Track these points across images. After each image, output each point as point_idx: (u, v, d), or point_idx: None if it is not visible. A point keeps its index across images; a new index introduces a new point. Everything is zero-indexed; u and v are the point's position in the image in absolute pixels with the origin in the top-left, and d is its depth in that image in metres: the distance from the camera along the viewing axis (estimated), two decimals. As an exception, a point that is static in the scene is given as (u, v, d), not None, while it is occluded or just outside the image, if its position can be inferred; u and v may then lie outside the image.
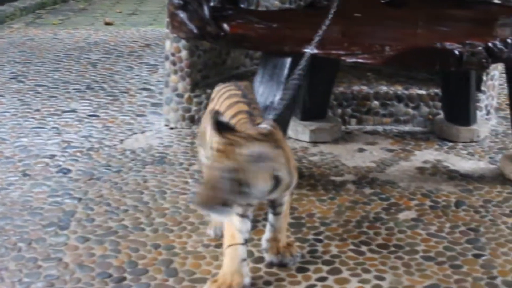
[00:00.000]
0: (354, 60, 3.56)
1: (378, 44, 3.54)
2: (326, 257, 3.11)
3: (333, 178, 3.92)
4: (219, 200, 2.51)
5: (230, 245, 2.83)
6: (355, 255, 3.12)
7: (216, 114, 2.64)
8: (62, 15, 9.12)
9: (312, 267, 3.03)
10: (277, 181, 2.69)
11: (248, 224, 2.85)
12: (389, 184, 3.84)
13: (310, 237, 3.28)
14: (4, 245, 3.16)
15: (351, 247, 3.20)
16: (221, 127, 2.60)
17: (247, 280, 2.85)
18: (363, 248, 3.18)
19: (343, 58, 3.59)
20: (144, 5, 9.93)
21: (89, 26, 8.23)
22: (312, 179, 3.89)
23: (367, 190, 3.76)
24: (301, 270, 3.00)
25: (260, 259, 3.06)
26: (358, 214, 3.50)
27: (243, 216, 2.81)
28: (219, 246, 3.15)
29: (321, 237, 3.28)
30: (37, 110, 4.96)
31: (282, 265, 3.02)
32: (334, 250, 3.17)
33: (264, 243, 3.07)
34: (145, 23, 8.35)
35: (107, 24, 8.34)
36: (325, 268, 3.02)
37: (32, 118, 4.80)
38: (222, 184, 2.51)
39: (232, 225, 2.81)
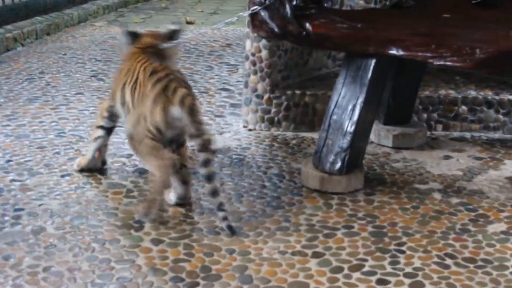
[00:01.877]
0: (442, 63, 3.41)
1: (468, 46, 3.37)
2: (409, 269, 2.95)
3: (417, 186, 3.74)
4: None
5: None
6: (439, 269, 2.95)
7: None
8: (144, 13, 9.17)
9: (393, 279, 2.87)
10: None
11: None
12: (477, 194, 3.64)
13: (392, 247, 3.12)
14: (78, 245, 3.11)
15: (435, 259, 3.02)
16: None
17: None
18: (448, 262, 3.01)
19: (430, 60, 3.43)
20: (225, 4, 9.90)
21: (171, 24, 8.23)
22: (394, 187, 3.72)
23: (454, 200, 3.57)
24: (382, 282, 2.85)
25: (339, 269, 2.92)
26: (444, 225, 3.32)
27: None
28: (296, 253, 3.04)
29: (403, 248, 3.11)
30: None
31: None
32: (417, 262, 3.00)
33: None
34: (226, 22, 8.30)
35: (188, 23, 8.32)
36: (407, 281, 2.86)
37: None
38: None
39: None
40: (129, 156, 4.05)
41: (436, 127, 4.51)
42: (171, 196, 3.50)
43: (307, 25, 3.49)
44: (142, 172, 3.84)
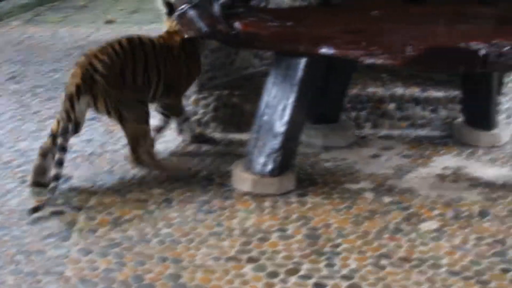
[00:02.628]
0: (372, 61, 3.36)
1: (398, 43, 3.34)
2: (345, 271, 2.92)
3: (348, 185, 3.71)
4: None
5: None
6: (375, 269, 2.93)
7: None
8: (62, 12, 8.90)
9: (330, 282, 2.84)
10: None
11: None
12: (409, 192, 3.63)
13: (327, 249, 3.08)
14: (2, 257, 2.96)
15: (371, 260, 3.00)
16: None
17: None
18: (384, 262, 2.99)
19: (361, 58, 3.39)
20: (146, 3, 9.70)
21: (90, 24, 8.02)
22: (326, 187, 3.68)
23: (386, 199, 3.56)
24: (319, 285, 2.81)
25: (275, 274, 2.86)
26: (377, 225, 3.30)
27: None
28: (230, 259, 2.97)
29: (338, 250, 3.08)
30: (36, 112, 4.76)
31: None
32: (353, 264, 2.97)
33: None
34: (148, 21, 8.11)
35: (109, 22, 8.12)
36: (344, 283, 2.83)
37: (31, 121, 4.60)
38: None
39: None
40: (52, 161, 3.89)
41: (364, 125, 4.49)
42: None
43: (236, 24, 3.41)
44: (67, 179, 3.70)
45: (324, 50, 3.39)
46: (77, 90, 3.48)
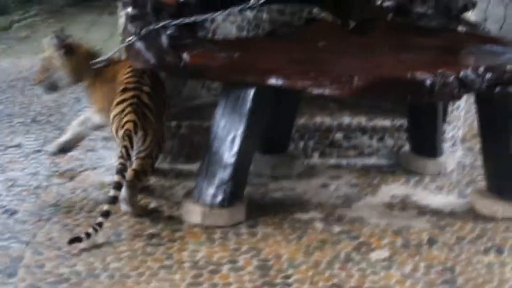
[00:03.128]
0: (321, 91, 3.39)
1: (346, 74, 3.37)
2: (297, 303, 2.90)
3: (298, 215, 3.71)
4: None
5: None
6: (327, 300, 2.93)
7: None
8: (3, 43, 8.77)
9: (283, 314, 2.82)
10: None
11: None
12: (358, 221, 3.65)
13: (279, 280, 3.07)
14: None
15: (323, 291, 3.00)
16: None
17: None
18: (336, 292, 2.99)
19: (309, 89, 3.41)
20: (90, 33, 9.64)
21: (34, 55, 7.91)
22: (276, 217, 3.68)
23: (336, 228, 3.57)
24: (271, 318, 2.79)
25: None
26: (328, 255, 3.30)
27: None
28: (182, 293, 2.94)
29: (290, 281, 3.07)
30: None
31: None
32: (305, 295, 2.96)
33: None
34: (92, 52, 8.07)
35: (53, 52, 8.02)
36: (297, 315, 2.81)
37: (-26, 153, 4.51)
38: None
39: None
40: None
41: (312, 155, 4.51)
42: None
43: (184, 55, 3.40)
44: (12, 213, 3.62)
45: (273, 81, 3.40)
46: (135, 126, 3.53)
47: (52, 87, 3.94)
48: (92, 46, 4.10)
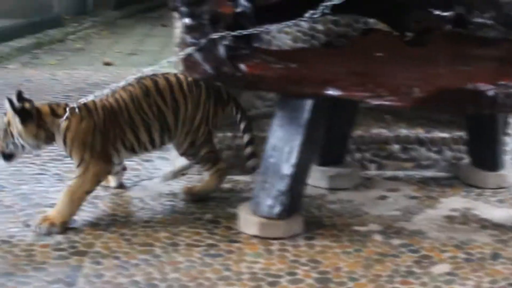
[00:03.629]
0: (380, 102, 3.36)
1: (405, 85, 3.33)
2: (358, 316, 2.86)
3: (356, 228, 3.66)
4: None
5: (86, 192, 3.64)
6: (389, 315, 2.87)
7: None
8: (59, 55, 8.92)
9: (343, 328, 2.77)
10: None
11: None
12: (418, 234, 3.59)
13: (339, 294, 3.03)
14: (6, 305, 2.89)
15: (384, 305, 2.95)
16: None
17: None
18: (397, 307, 2.93)
19: (367, 100, 3.37)
20: (144, 45, 9.75)
21: (88, 66, 8.02)
22: (334, 229, 3.64)
23: (395, 241, 3.51)
24: (332, 332, 2.75)
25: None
26: (388, 268, 3.25)
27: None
28: (241, 305, 2.91)
29: (350, 294, 3.03)
30: (37, 155, 4.70)
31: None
32: (366, 309, 2.92)
33: None
34: (145, 63, 8.12)
35: (107, 64, 8.13)
36: (358, 329, 2.77)
37: (32, 164, 4.55)
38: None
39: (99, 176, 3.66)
40: (53, 205, 3.83)
41: (369, 166, 4.46)
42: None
43: (241, 66, 3.39)
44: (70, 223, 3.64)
45: (330, 92, 3.38)
46: None
47: (9, 156, 3.65)
48: (52, 102, 3.82)
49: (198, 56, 3.47)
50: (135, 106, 3.77)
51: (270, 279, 3.13)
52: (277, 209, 3.53)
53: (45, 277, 3.11)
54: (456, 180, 4.30)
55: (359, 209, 3.91)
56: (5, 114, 3.57)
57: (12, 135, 3.55)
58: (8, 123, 3.55)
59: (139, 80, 3.87)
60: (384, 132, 4.47)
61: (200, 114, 3.88)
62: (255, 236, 3.52)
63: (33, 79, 7.22)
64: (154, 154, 4.72)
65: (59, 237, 3.48)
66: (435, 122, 4.59)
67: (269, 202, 3.54)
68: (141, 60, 8.42)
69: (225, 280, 3.11)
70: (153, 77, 3.89)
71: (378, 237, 3.55)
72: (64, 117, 3.59)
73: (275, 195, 3.53)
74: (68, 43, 10.00)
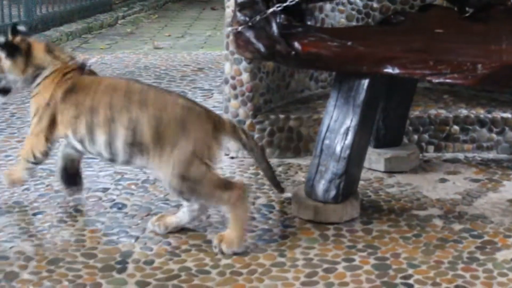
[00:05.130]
0: (441, 80, 3.21)
1: (468, 62, 3.17)
2: (419, 305, 2.72)
3: (415, 212, 3.52)
4: None
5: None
6: (452, 303, 2.73)
7: None
8: (109, 39, 8.90)
9: (404, 317, 2.64)
10: None
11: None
12: (480, 219, 3.43)
13: (398, 281, 2.89)
14: (56, 291, 2.82)
15: (447, 293, 2.80)
16: None
17: None
18: (461, 295, 2.79)
19: (428, 78, 3.23)
20: (193, 28, 9.68)
21: (138, 50, 7.97)
22: (392, 214, 3.50)
23: (456, 226, 3.36)
24: (392, 321, 2.62)
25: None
26: (450, 254, 3.10)
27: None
28: (296, 292, 2.79)
29: (411, 281, 2.88)
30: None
31: None
32: (427, 297, 2.77)
33: None
34: (195, 46, 8.06)
35: (156, 48, 8.07)
36: (420, 318, 2.63)
37: (82, 147, 4.49)
38: None
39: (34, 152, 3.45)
40: (105, 190, 3.77)
41: (427, 148, 4.30)
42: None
43: (296, 44, 3.26)
44: (120, 207, 3.57)
45: (389, 70, 3.23)
46: None
47: (4, 91, 3.53)
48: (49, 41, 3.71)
49: (250, 34, 3.35)
50: (112, 99, 3.21)
51: (326, 266, 3.01)
52: (332, 193, 3.40)
53: (95, 263, 3.04)
54: (520, 162, 4.12)
55: (418, 192, 3.75)
56: None
57: (3, 70, 3.45)
58: None
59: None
60: (443, 112, 4.30)
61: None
62: (310, 221, 3.40)
63: (83, 63, 7.18)
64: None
65: (108, 222, 3.41)
66: (497, 101, 4.40)
67: (324, 186, 3.41)
68: (191, 43, 8.35)
69: (279, 266, 3.00)
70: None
71: (438, 222, 3.40)
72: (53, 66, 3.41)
73: (330, 178, 3.40)
74: (118, 27, 9.98)
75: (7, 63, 3.44)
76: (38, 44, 3.50)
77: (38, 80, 3.42)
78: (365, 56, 3.29)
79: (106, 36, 9.16)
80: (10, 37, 3.46)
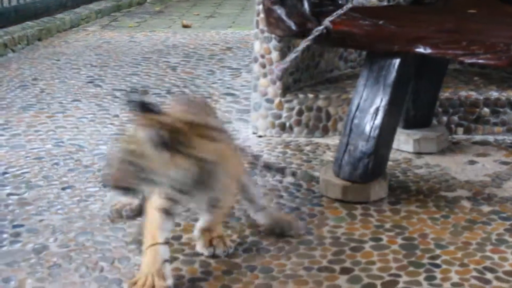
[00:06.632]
0: (474, 60, 3.16)
1: (501, 42, 3.13)
2: (447, 285, 2.70)
3: (444, 193, 3.50)
4: (121, 182, 2.39)
5: (151, 245, 2.65)
6: (480, 284, 2.70)
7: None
8: (138, 17, 8.91)
9: (431, 297, 2.63)
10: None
11: (170, 223, 2.71)
12: (509, 201, 3.39)
13: (426, 261, 2.87)
14: (85, 264, 2.84)
15: (474, 274, 2.78)
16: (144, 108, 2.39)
17: (169, 282, 2.64)
18: (489, 276, 2.76)
19: (461, 58, 3.18)
20: (222, 8, 9.65)
21: (166, 29, 7.98)
22: (420, 195, 3.48)
23: (485, 208, 3.33)
24: (419, 300, 2.61)
25: (371, 286, 2.68)
26: (478, 236, 3.08)
27: (167, 213, 2.66)
28: (322, 269, 2.79)
29: (438, 262, 2.86)
30: (116, 115, 4.68)
31: (214, 257, 2.84)
32: (455, 277, 2.75)
33: (196, 233, 2.92)
34: (224, 25, 8.04)
35: (185, 26, 8.07)
36: (447, 298, 2.62)
37: (111, 124, 4.52)
38: (123, 166, 2.37)
39: (154, 223, 2.67)
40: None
41: (457, 130, 4.27)
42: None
43: (327, 22, 3.24)
44: (149, 183, 3.58)
45: (421, 50, 3.20)
46: None
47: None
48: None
49: (281, 12, 3.33)
50: None
51: (353, 244, 3.01)
52: (360, 172, 3.39)
53: (123, 237, 3.06)
54: (549, 145, 4.07)
55: (447, 174, 3.73)
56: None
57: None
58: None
59: None
60: (473, 94, 4.26)
61: None
62: (338, 200, 3.40)
63: (112, 41, 7.22)
64: (233, 116, 4.65)
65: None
66: (528, 84, 4.36)
67: (352, 165, 3.40)
68: (219, 22, 8.33)
69: (306, 244, 3.00)
70: None
71: (466, 204, 3.38)
72: None
73: (359, 158, 3.38)
74: (147, 6, 9.99)
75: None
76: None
77: None
78: (397, 35, 3.26)
79: (135, 14, 9.17)
80: None
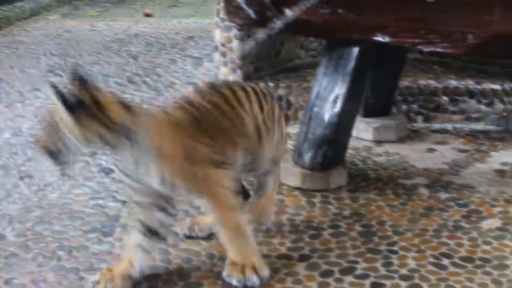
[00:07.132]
0: (432, 49, 3.19)
1: (459, 31, 3.15)
2: (404, 271, 2.73)
3: (402, 181, 3.53)
4: (45, 145, 2.44)
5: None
6: (436, 270, 2.74)
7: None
8: (99, 6, 8.83)
9: (388, 282, 2.65)
10: None
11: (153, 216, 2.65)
12: (466, 188, 3.44)
13: (383, 247, 2.90)
14: (42, 253, 2.83)
15: (431, 260, 2.81)
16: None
17: (136, 269, 2.65)
18: (445, 262, 2.80)
19: (419, 47, 3.21)
20: (185, -3, 9.60)
21: (128, 18, 7.91)
22: (379, 182, 3.51)
23: (442, 195, 3.37)
24: (376, 285, 2.63)
25: (329, 272, 2.69)
26: (435, 222, 3.11)
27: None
28: (281, 257, 2.81)
29: (395, 248, 2.90)
30: (76, 104, 4.63)
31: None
32: (411, 263, 2.78)
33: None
34: (186, 14, 8.00)
35: (147, 15, 8.02)
36: (404, 284, 2.65)
37: (71, 112, 4.47)
38: (47, 130, 2.44)
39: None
40: (92, 155, 3.76)
41: (416, 119, 4.31)
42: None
43: (287, 11, 3.24)
44: (108, 172, 3.57)
45: (380, 38, 3.22)
46: None
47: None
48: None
49: (240, 1, 3.33)
50: None
51: (312, 232, 3.02)
52: (320, 161, 3.41)
53: (81, 226, 3.05)
54: (507, 133, 4.12)
55: (405, 161, 3.76)
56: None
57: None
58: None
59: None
60: (432, 83, 4.30)
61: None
62: (297, 188, 3.41)
63: (73, 30, 7.15)
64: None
65: (96, 186, 3.41)
66: (486, 73, 4.40)
67: (312, 153, 3.42)
68: (182, 12, 8.29)
69: (265, 232, 3.01)
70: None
71: (424, 191, 3.42)
72: None
73: (318, 146, 3.40)
74: (109, -5, 9.90)
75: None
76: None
77: None
78: (356, 24, 3.27)
79: (97, 3, 9.08)
80: None
